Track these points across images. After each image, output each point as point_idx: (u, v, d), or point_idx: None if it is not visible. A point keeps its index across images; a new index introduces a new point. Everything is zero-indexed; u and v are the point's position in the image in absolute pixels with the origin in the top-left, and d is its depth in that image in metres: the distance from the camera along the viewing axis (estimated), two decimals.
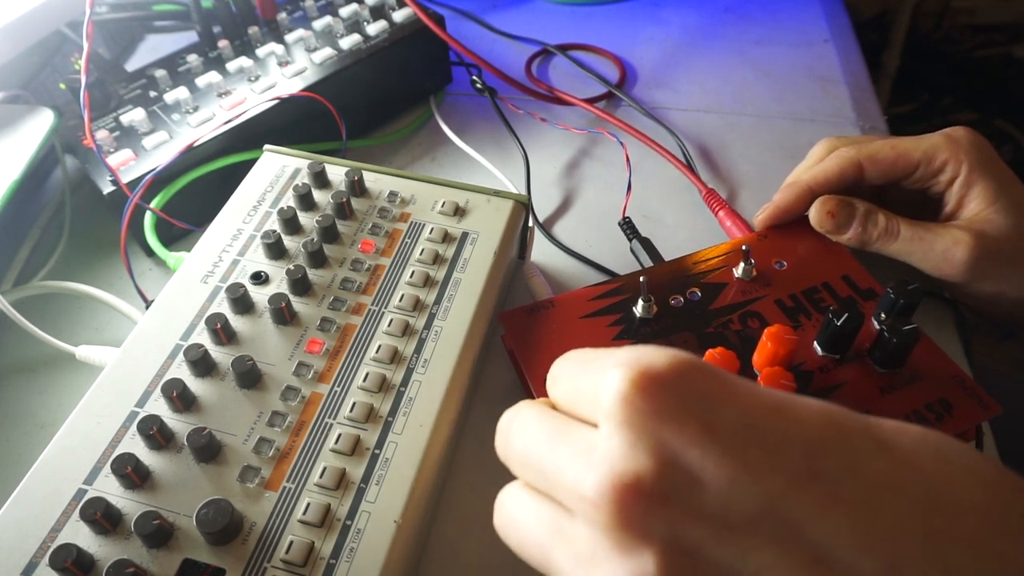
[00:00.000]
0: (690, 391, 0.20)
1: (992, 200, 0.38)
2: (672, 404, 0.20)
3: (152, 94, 0.50)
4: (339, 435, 0.32)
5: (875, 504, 0.19)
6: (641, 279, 0.37)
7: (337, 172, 0.43)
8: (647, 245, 0.43)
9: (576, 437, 0.22)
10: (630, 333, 0.36)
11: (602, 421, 0.21)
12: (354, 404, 0.33)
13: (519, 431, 0.24)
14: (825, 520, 0.19)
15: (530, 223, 0.44)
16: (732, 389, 0.21)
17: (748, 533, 0.19)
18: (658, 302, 0.37)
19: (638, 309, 0.37)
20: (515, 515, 0.24)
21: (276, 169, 0.43)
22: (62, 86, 0.52)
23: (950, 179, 0.38)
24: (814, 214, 0.40)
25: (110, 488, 0.30)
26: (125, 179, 0.44)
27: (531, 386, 0.35)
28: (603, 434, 0.21)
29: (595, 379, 0.22)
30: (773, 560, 0.19)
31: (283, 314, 0.35)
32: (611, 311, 0.37)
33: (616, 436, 0.20)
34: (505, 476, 0.36)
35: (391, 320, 0.36)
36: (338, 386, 0.34)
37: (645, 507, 0.19)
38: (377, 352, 0.35)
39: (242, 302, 0.36)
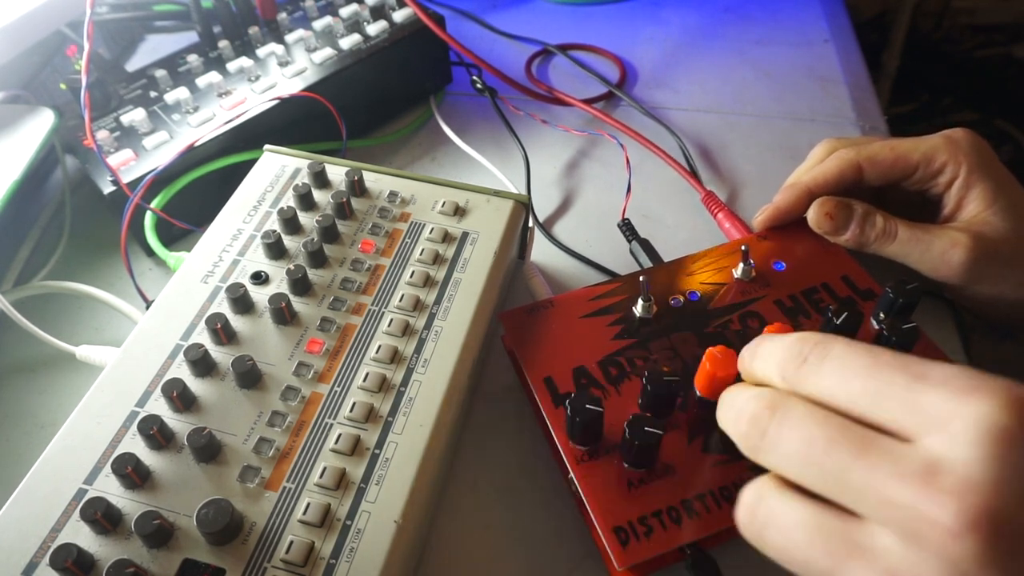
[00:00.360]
0: None
1: (991, 202, 0.38)
2: None
3: (152, 94, 0.50)
4: (339, 435, 0.32)
5: None
6: (641, 279, 0.37)
7: (337, 172, 0.43)
8: (646, 246, 0.43)
9: (896, 449, 0.20)
10: (630, 333, 0.37)
11: (955, 443, 0.19)
12: (354, 404, 0.33)
13: (797, 426, 0.22)
14: None
15: (530, 223, 0.44)
16: None
17: None
18: (658, 302, 0.37)
19: (638, 309, 0.37)
20: (780, 520, 0.22)
21: (276, 169, 0.43)
22: (62, 86, 0.52)
23: (949, 181, 0.38)
24: (812, 215, 0.40)
25: (110, 488, 0.30)
26: (125, 179, 0.44)
27: (531, 385, 0.35)
28: (958, 455, 0.19)
29: (946, 396, 0.20)
30: None
31: (283, 314, 0.35)
32: (611, 311, 0.37)
33: (984, 467, 0.19)
34: (508, 479, 0.36)
35: (391, 320, 0.36)
36: (338, 386, 0.34)
37: (1016, 549, 0.18)
38: (377, 352, 0.35)
39: (242, 302, 0.36)
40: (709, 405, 0.33)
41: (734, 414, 0.25)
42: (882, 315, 0.36)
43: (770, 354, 0.25)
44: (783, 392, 0.24)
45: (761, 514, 0.23)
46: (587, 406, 0.31)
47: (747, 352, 0.27)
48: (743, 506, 0.23)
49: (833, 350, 0.23)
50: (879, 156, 0.39)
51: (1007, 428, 0.19)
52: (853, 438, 0.21)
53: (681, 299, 0.38)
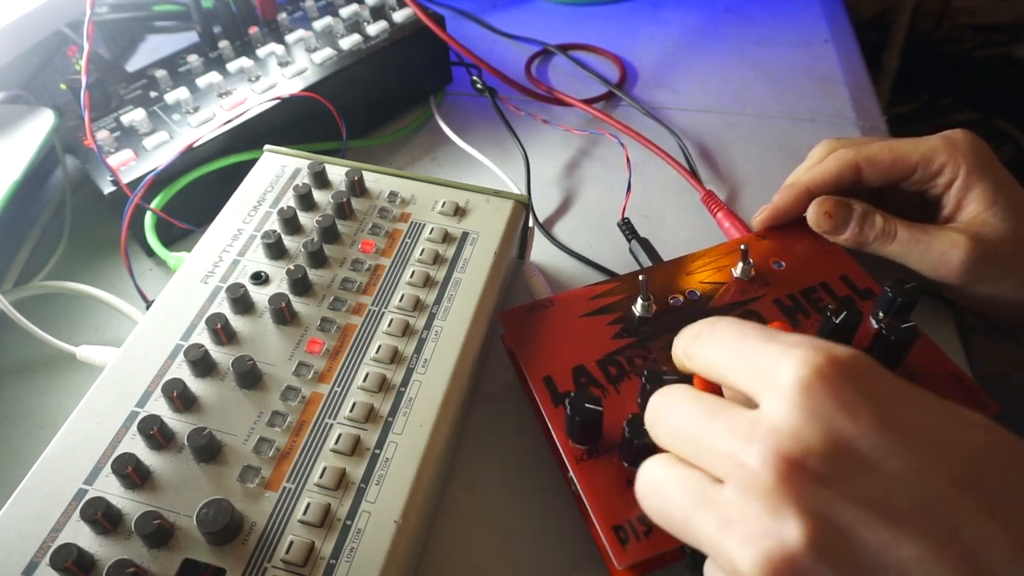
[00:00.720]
0: (867, 386, 0.22)
1: (990, 203, 0.38)
2: (849, 395, 0.21)
3: (152, 94, 0.50)
4: (339, 435, 0.32)
5: None
6: (640, 278, 0.37)
7: (337, 172, 0.43)
8: (646, 246, 0.43)
9: (737, 414, 0.23)
10: (630, 332, 0.37)
11: (775, 398, 0.22)
12: (354, 404, 0.33)
13: (674, 406, 0.25)
14: (981, 527, 0.20)
15: (530, 223, 0.44)
16: (906, 392, 0.22)
17: (902, 524, 0.20)
18: (657, 301, 0.37)
19: (637, 308, 0.37)
20: (659, 482, 0.25)
21: (276, 169, 0.43)
22: (62, 86, 0.52)
23: (948, 182, 0.38)
24: (811, 214, 0.40)
25: (110, 488, 0.30)
26: (126, 179, 0.44)
27: (531, 384, 0.35)
28: (774, 410, 0.22)
29: (774, 357, 0.23)
30: (923, 552, 0.20)
31: (283, 314, 0.35)
32: (611, 310, 0.37)
33: (790, 414, 0.21)
34: (508, 479, 0.36)
35: (391, 320, 0.36)
36: (338, 386, 0.34)
37: (807, 481, 0.21)
38: (377, 352, 0.35)
39: (242, 302, 0.36)
40: None
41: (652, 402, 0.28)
42: (881, 314, 0.36)
43: (681, 335, 0.28)
44: (673, 384, 0.27)
45: (646, 481, 0.26)
46: (587, 405, 0.31)
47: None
48: (638, 478, 0.26)
49: (717, 327, 0.26)
50: (878, 157, 0.39)
51: (806, 378, 0.21)
52: (710, 409, 0.24)
53: (681, 298, 0.38)
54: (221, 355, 0.34)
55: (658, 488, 0.25)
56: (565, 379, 0.35)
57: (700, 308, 0.38)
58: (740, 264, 0.39)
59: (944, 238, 0.37)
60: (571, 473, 0.32)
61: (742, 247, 0.39)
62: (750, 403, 0.24)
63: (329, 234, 0.39)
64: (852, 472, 0.20)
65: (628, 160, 0.49)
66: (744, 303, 0.38)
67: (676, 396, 0.26)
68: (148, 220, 0.45)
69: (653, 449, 0.31)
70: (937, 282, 0.39)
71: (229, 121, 0.47)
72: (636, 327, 0.37)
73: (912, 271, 0.39)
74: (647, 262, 0.42)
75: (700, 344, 0.26)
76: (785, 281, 0.39)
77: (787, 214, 0.41)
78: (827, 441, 0.21)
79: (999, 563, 0.20)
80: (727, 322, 0.26)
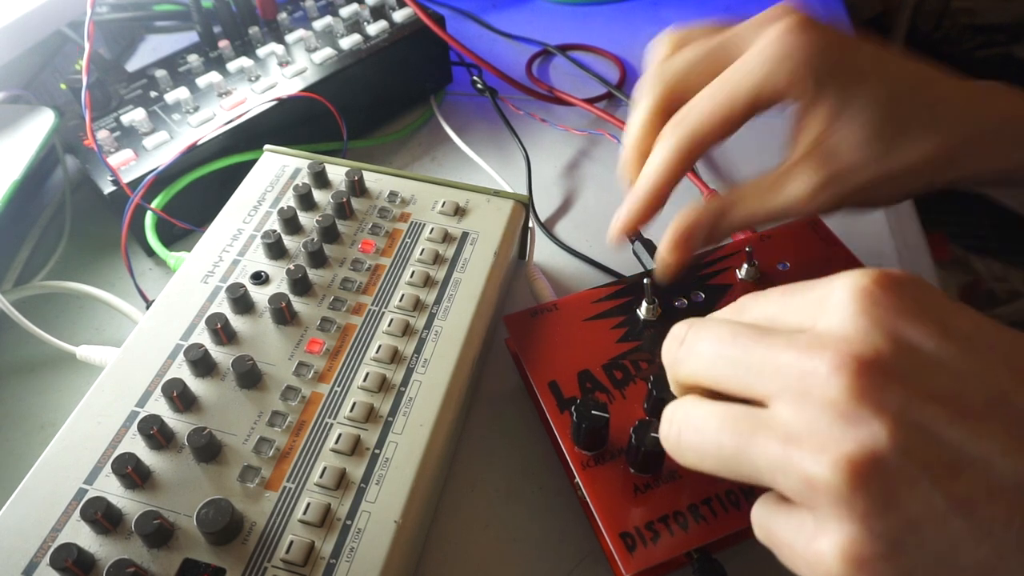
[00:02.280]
0: (926, 296, 0.22)
1: (836, 113, 0.31)
2: (909, 303, 0.21)
3: (153, 94, 0.50)
4: (339, 435, 0.32)
5: None
6: (645, 281, 0.37)
7: (337, 172, 0.43)
8: (650, 247, 0.43)
9: (790, 333, 0.22)
10: (635, 336, 0.36)
11: (831, 316, 0.22)
12: (354, 404, 0.33)
13: (707, 337, 0.24)
14: None
15: (531, 223, 0.44)
16: (959, 306, 0.22)
17: (980, 418, 0.20)
18: (662, 304, 0.37)
19: (642, 311, 0.37)
20: (694, 417, 0.24)
21: (276, 169, 0.43)
22: (63, 86, 0.52)
23: (798, 113, 0.32)
24: (661, 270, 0.34)
25: (111, 488, 0.30)
26: (126, 179, 0.44)
27: (536, 390, 0.35)
28: (835, 323, 0.22)
29: (820, 289, 0.23)
30: (1004, 444, 0.20)
31: (283, 314, 0.35)
32: (615, 313, 0.37)
33: (853, 322, 0.21)
34: (508, 480, 0.36)
35: (391, 320, 0.36)
36: (338, 386, 0.34)
37: (882, 381, 0.20)
38: (377, 352, 0.35)
39: (242, 302, 0.36)
40: None
41: (664, 343, 0.27)
42: None
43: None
44: (701, 319, 0.26)
45: (678, 420, 0.25)
46: (594, 412, 0.31)
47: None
48: (664, 421, 0.25)
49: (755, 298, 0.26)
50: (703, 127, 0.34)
51: (865, 288, 0.21)
52: (756, 329, 0.23)
53: (685, 301, 0.38)
54: (221, 355, 0.34)
55: (695, 424, 0.24)
56: (570, 384, 0.34)
57: (705, 311, 0.38)
58: (745, 266, 0.39)
59: (772, 174, 0.33)
60: (577, 479, 0.31)
61: (747, 249, 0.39)
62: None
63: (329, 234, 0.39)
64: (924, 371, 0.20)
65: None
66: None
67: (710, 323, 0.25)
68: (148, 220, 0.45)
69: (658, 458, 0.31)
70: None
71: (229, 121, 0.47)
72: (641, 330, 0.37)
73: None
74: (651, 264, 0.42)
75: (744, 308, 0.26)
76: (790, 282, 0.38)
77: (640, 222, 0.36)
78: (895, 343, 0.21)
79: None
80: (765, 292, 0.25)
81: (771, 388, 0.22)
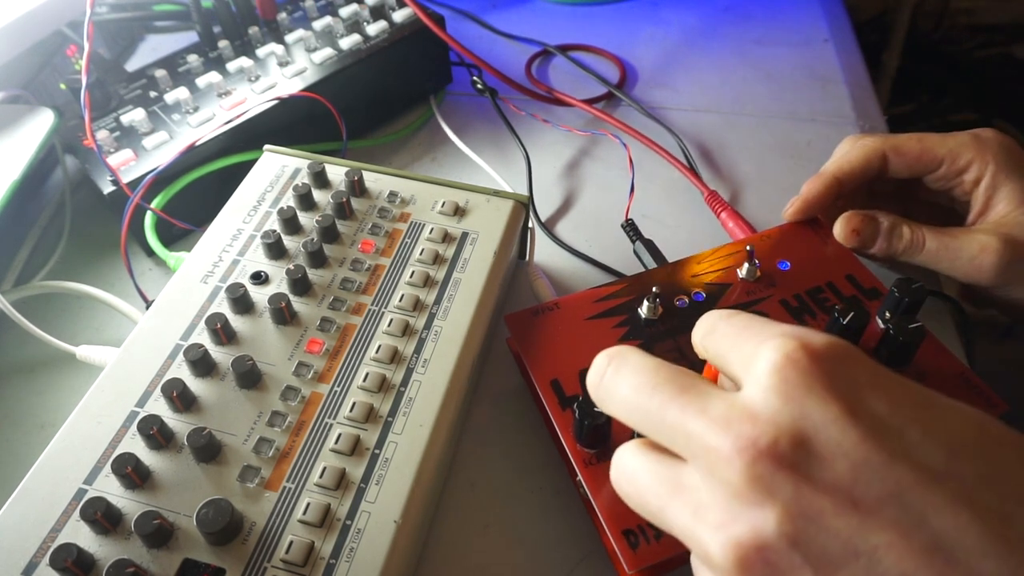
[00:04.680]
0: (841, 373, 0.22)
1: (1020, 202, 0.37)
2: (821, 382, 0.21)
3: (152, 94, 0.50)
4: (339, 435, 0.31)
5: (1009, 514, 0.20)
6: (654, 290, 0.37)
7: (337, 172, 0.43)
8: (651, 247, 0.43)
9: (709, 394, 0.23)
10: (635, 334, 0.36)
11: (750, 384, 0.22)
12: (354, 404, 0.33)
13: (625, 382, 0.25)
14: (953, 517, 0.19)
15: (531, 223, 0.44)
16: (883, 380, 0.22)
17: (871, 512, 0.20)
18: (663, 303, 0.37)
19: (643, 310, 0.37)
20: (631, 469, 0.25)
21: (276, 169, 0.43)
22: (62, 86, 0.52)
23: (975, 179, 0.38)
24: (839, 231, 0.39)
25: (110, 488, 0.30)
26: (125, 179, 0.44)
27: (538, 388, 0.35)
28: (748, 394, 0.22)
29: (754, 344, 0.23)
30: (891, 540, 0.19)
31: (283, 314, 0.35)
32: (616, 312, 0.37)
33: (762, 399, 0.21)
34: (508, 480, 0.36)
35: (391, 320, 0.36)
36: (338, 386, 0.34)
37: (776, 468, 0.20)
38: (377, 352, 0.35)
39: (242, 302, 0.36)
40: None
41: (589, 372, 0.27)
42: (888, 314, 0.36)
43: (700, 324, 0.27)
44: (627, 348, 0.26)
45: (620, 468, 0.25)
46: (596, 409, 0.31)
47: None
48: (613, 471, 0.26)
49: (730, 320, 0.26)
50: (905, 147, 0.39)
51: (779, 365, 0.22)
52: (675, 383, 0.24)
53: (686, 300, 0.38)
54: (221, 355, 0.34)
55: (630, 476, 0.25)
56: (572, 382, 0.34)
57: (706, 310, 0.37)
58: (746, 265, 0.39)
59: (973, 242, 0.37)
60: (580, 477, 0.31)
61: (748, 248, 0.39)
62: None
63: (329, 234, 0.39)
64: (820, 458, 0.20)
65: (631, 161, 0.49)
66: (750, 304, 0.38)
67: (630, 363, 0.25)
68: (148, 220, 0.45)
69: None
70: (970, 285, 0.38)
71: (229, 121, 0.47)
72: (642, 329, 0.37)
73: (923, 271, 0.38)
74: (652, 263, 0.42)
75: (713, 337, 0.26)
76: (791, 282, 0.39)
77: (817, 203, 0.40)
78: (797, 427, 0.21)
79: (973, 554, 0.19)
80: (739, 316, 0.26)
81: (685, 452, 0.23)
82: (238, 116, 0.47)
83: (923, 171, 0.39)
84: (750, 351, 0.23)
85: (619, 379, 0.25)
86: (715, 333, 0.26)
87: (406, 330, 0.36)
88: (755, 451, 0.21)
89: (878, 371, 0.22)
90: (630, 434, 0.31)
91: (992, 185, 0.38)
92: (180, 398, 0.32)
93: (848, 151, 0.41)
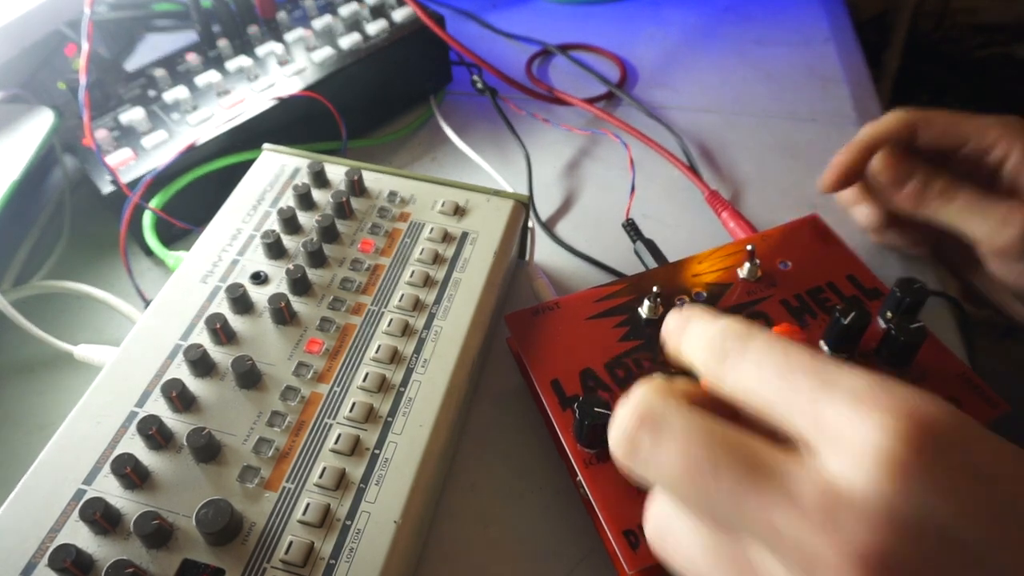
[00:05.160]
0: (969, 458, 0.18)
1: None
2: (949, 473, 0.18)
3: (152, 93, 0.50)
4: (339, 435, 0.31)
5: None
6: (654, 289, 0.36)
7: (337, 171, 0.43)
8: (651, 247, 0.43)
9: (783, 470, 0.19)
10: (636, 334, 0.36)
11: (850, 465, 0.18)
12: (354, 404, 0.33)
13: (680, 448, 0.20)
14: None
15: (531, 223, 0.44)
16: (1007, 457, 0.18)
17: None
18: (664, 303, 0.37)
19: (643, 310, 0.37)
20: (685, 542, 0.21)
21: (275, 168, 0.43)
22: (61, 86, 0.52)
23: (1002, 157, 0.38)
24: (875, 163, 0.39)
25: (109, 488, 0.30)
26: (125, 179, 0.44)
27: (538, 388, 0.34)
28: (852, 483, 0.18)
29: (843, 411, 0.19)
30: None
31: (283, 314, 0.35)
32: (617, 312, 0.37)
33: (875, 495, 0.17)
34: (508, 480, 0.36)
35: (391, 320, 0.36)
36: (338, 386, 0.33)
37: None
38: (377, 352, 0.35)
39: (242, 302, 0.36)
40: None
41: (615, 426, 0.22)
42: (889, 314, 0.36)
43: (697, 339, 0.23)
44: (661, 402, 0.21)
45: (665, 536, 0.22)
46: (596, 409, 0.30)
47: (675, 327, 0.24)
48: (649, 525, 0.22)
49: (751, 346, 0.21)
50: (934, 119, 0.39)
51: (893, 453, 0.17)
52: (739, 454, 0.19)
53: (687, 299, 0.38)
54: (220, 355, 0.34)
55: (683, 547, 0.21)
56: (572, 382, 0.34)
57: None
58: (746, 264, 0.39)
59: (1004, 205, 0.36)
60: (580, 477, 0.31)
61: (748, 247, 0.39)
62: (779, 438, 0.20)
63: (328, 234, 0.39)
64: (945, 561, 0.17)
65: (632, 161, 0.49)
66: (751, 304, 0.38)
67: (677, 428, 0.20)
68: (147, 220, 0.45)
69: None
70: (990, 256, 0.38)
71: (228, 121, 0.47)
72: (643, 329, 0.37)
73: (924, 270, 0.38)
74: (652, 263, 0.42)
75: (732, 366, 0.21)
76: (791, 282, 0.39)
77: (850, 170, 0.40)
78: (923, 532, 0.17)
79: None
80: (765, 344, 0.21)
81: (759, 539, 0.19)
82: (237, 115, 0.47)
83: (950, 145, 0.39)
84: (835, 417, 0.19)
85: (661, 451, 0.20)
86: (740, 365, 0.21)
87: (406, 330, 0.36)
88: (872, 561, 0.17)
89: (998, 446, 0.19)
90: None
91: (1020, 162, 0.37)
92: (179, 398, 0.32)
93: (881, 119, 0.41)
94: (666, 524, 0.21)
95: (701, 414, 0.21)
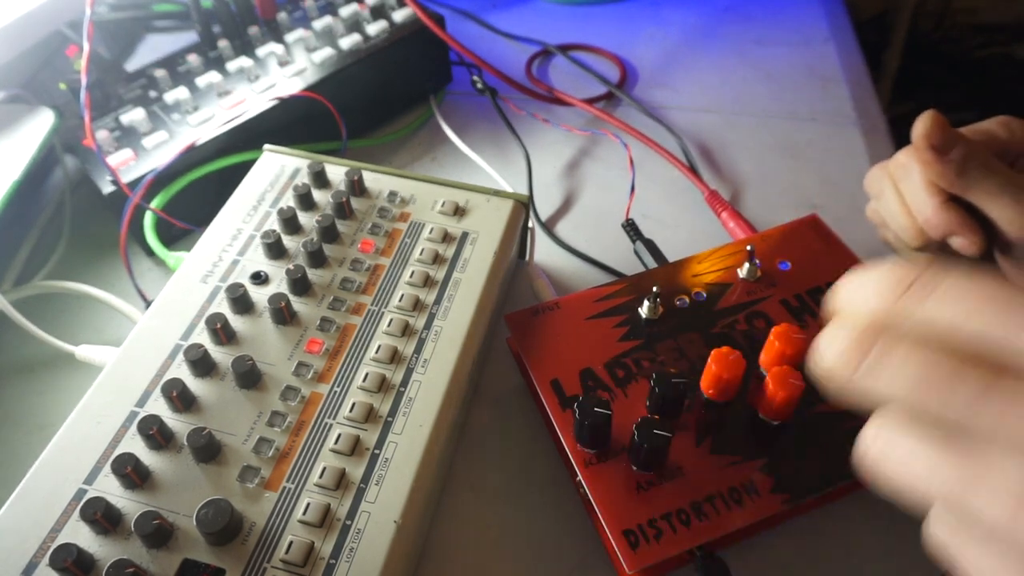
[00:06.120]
0: None
1: None
2: None
3: (152, 94, 0.50)
4: (339, 435, 0.31)
5: None
6: (654, 290, 0.36)
7: (337, 172, 0.43)
8: (651, 247, 0.43)
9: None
10: (636, 334, 0.36)
11: None
12: (354, 404, 0.33)
13: (912, 347, 0.19)
14: None
15: (530, 223, 0.44)
16: None
17: None
18: (663, 303, 0.37)
19: (643, 310, 0.37)
20: (901, 450, 0.20)
21: (276, 169, 0.43)
22: (62, 86, 0.52)
23: None
24: (922, 119, 0.38)
25: (110, 488, 0.30)
26: (125, 179, 0.44)
27: (538, 388, 0.34)
28: None
29: None
30: None
31: (283, 314, 0.35)
32: (617, 312, 0.37)
33: None
34: (508, 480, 0.36)
35: (391, 320, 0.36)
36: (338, 386, 0.33)
37: None
38: (377, 352, 0.35)
39: (242, 302, 0.36)
40: (716, 406, 0.33)
41: (828, 342, 0.21)
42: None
43: (860, 286, 0.21)
44: (884, 315, 0.20)
45: (888, 456, 0.20)
46: (596, 409, 0.31)
47: (831, 294, 0.23)
48: (870, 448, 0.21)
49: (946, 279, 0.20)
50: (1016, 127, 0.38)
51: None
52: (983, 364, 0.18)
53: (687, 299, 0.38)
54: (221, 355, 0.34)
55: (899, 455, 0.20)
56: (572, 382, 0.34)
57: (707, 310, 0.38)
58: (746, 265, 0.39)
59: None
60: (580, 477, 0.31)
61: (748, 248, 0.39)
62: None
63: (329, 234, 0.39)
64: None
65: (631, 161, 0.49)
66: (751, 304, 0.38)
67: (912, 337, 0.19)
68: (148, 220, 0.45)
69: (661, 455, 0.31)
70: (1004, 248, 0.37)
71: (229, 121, 0.47)
72: (643, 329, 0.37)
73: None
74: (652, 263, 0.42)
75: (919, 304, 0.20)
76: (791, 282, 0.39)
77: (946, 131, 0.37)
78: None
79: None
80: (963, 275, 0.19)
81: (1006, 443, 0.18)
82: (238, 116, 0.47)
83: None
84: None
85: (894, 357, 0.19)
86: (935, 293, 0.19)
87: (406, 330, 0.36)
88: None
89: None
90: (631, 435, 0.31)
91: None
92: (180, 398, 0.32)
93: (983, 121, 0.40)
94: (888, 444, 0.20)
95: (926, 322, 0.20)
